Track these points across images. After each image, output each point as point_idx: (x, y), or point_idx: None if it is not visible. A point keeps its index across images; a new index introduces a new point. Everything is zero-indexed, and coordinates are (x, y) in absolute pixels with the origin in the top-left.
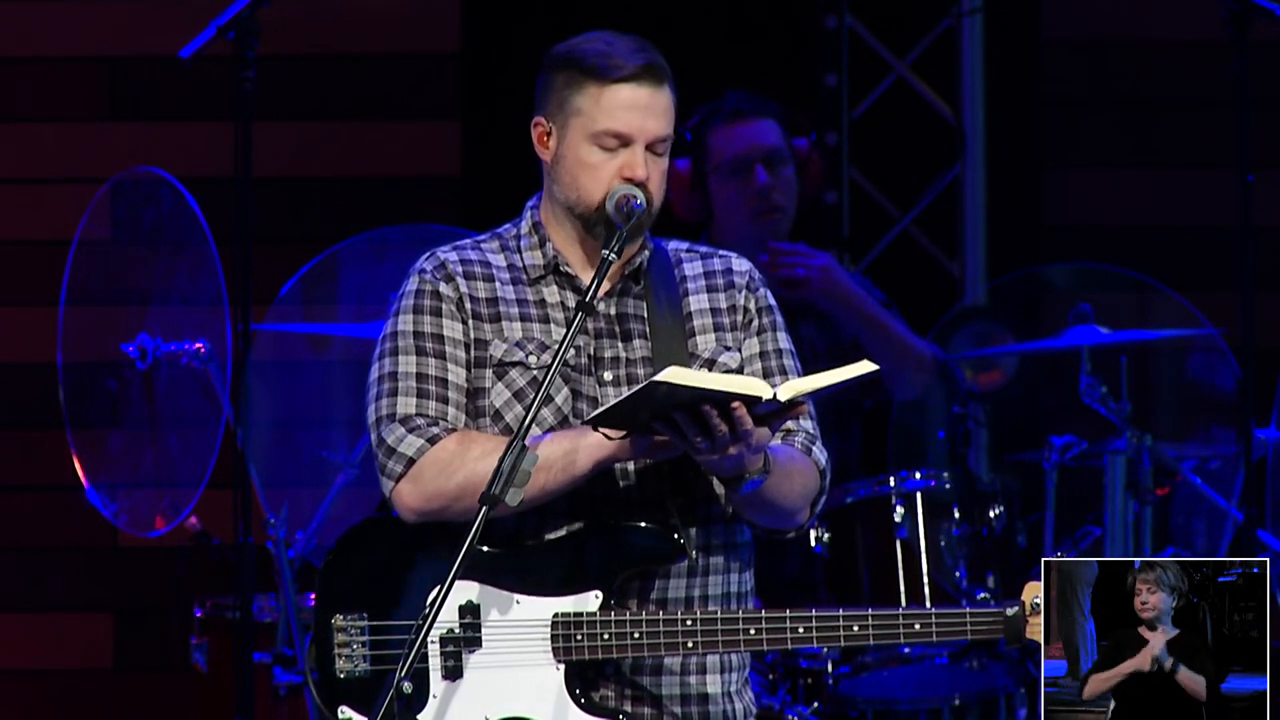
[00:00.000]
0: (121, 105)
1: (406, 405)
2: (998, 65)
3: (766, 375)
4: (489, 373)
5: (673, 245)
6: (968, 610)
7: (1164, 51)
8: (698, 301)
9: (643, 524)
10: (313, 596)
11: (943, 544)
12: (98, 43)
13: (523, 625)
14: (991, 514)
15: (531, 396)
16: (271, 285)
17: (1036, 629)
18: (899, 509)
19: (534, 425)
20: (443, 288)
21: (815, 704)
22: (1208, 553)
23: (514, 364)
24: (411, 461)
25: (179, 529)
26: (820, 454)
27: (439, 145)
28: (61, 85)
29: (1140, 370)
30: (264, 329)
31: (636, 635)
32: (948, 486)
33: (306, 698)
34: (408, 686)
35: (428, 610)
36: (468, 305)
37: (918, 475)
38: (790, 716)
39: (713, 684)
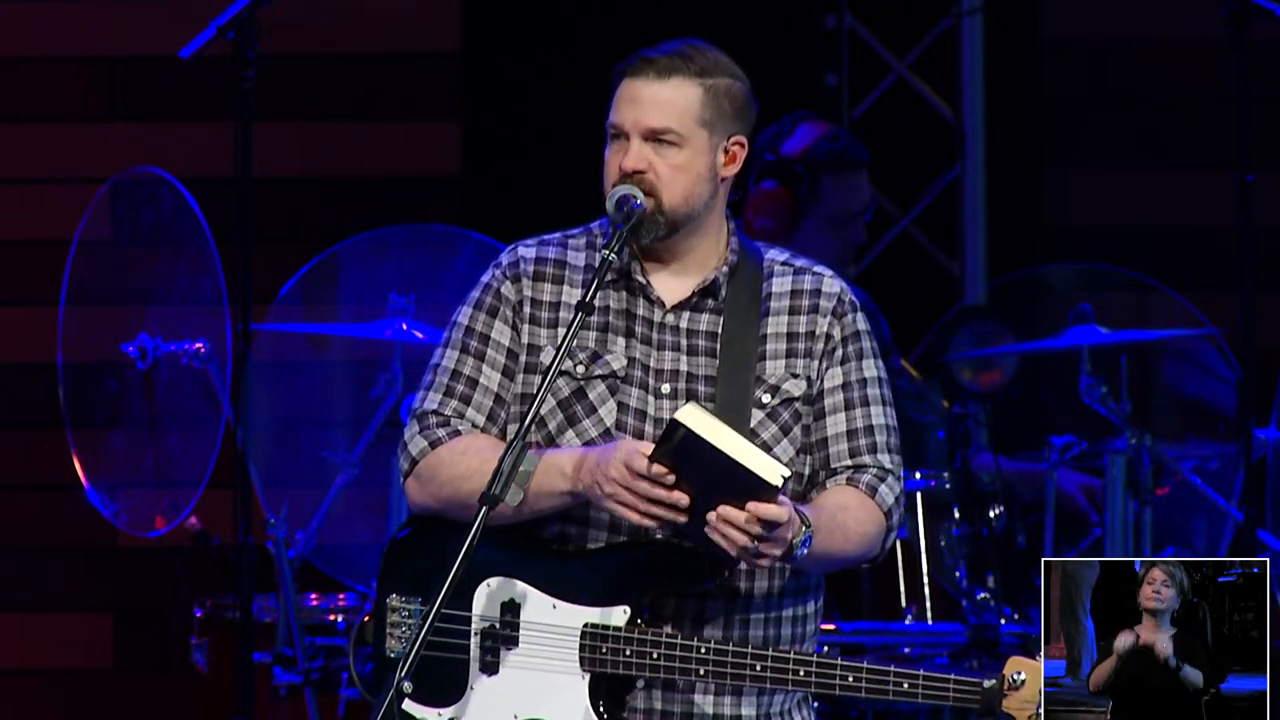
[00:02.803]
0: (121, 105)
1: (430, 401)
2: (998, 65)
3: (848, 407)
4: (537, 379)
5: (770, 255)
6: (952, 678)
7: (1164, 51)
8: (776, 324)
9: (674, 543)
10: (313, 596)
11: (943, 544)
12: (98, 43)
13: (556, 631)
14: (991, 514)
15: (576, 404)
16: (271, 285)
17: (1014, 704)
18: None
19: (574, 435)
20: (505, 288)
21: (815, 704)
22: (1208, 553)
23: (561, 372)
24: (415, 461)
25: (179, 529)
26: (888, 491)
27: (439, 145)
28: (61, 85)
29: (1140, 370)
30: (264, 329)
31: (655, 655)
32: (948, 486)
33: (307, 697)
34: (408, 686)
35: (428, 611)
36: (527, 309)
37: (918, 475)
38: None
39: (748, 706)
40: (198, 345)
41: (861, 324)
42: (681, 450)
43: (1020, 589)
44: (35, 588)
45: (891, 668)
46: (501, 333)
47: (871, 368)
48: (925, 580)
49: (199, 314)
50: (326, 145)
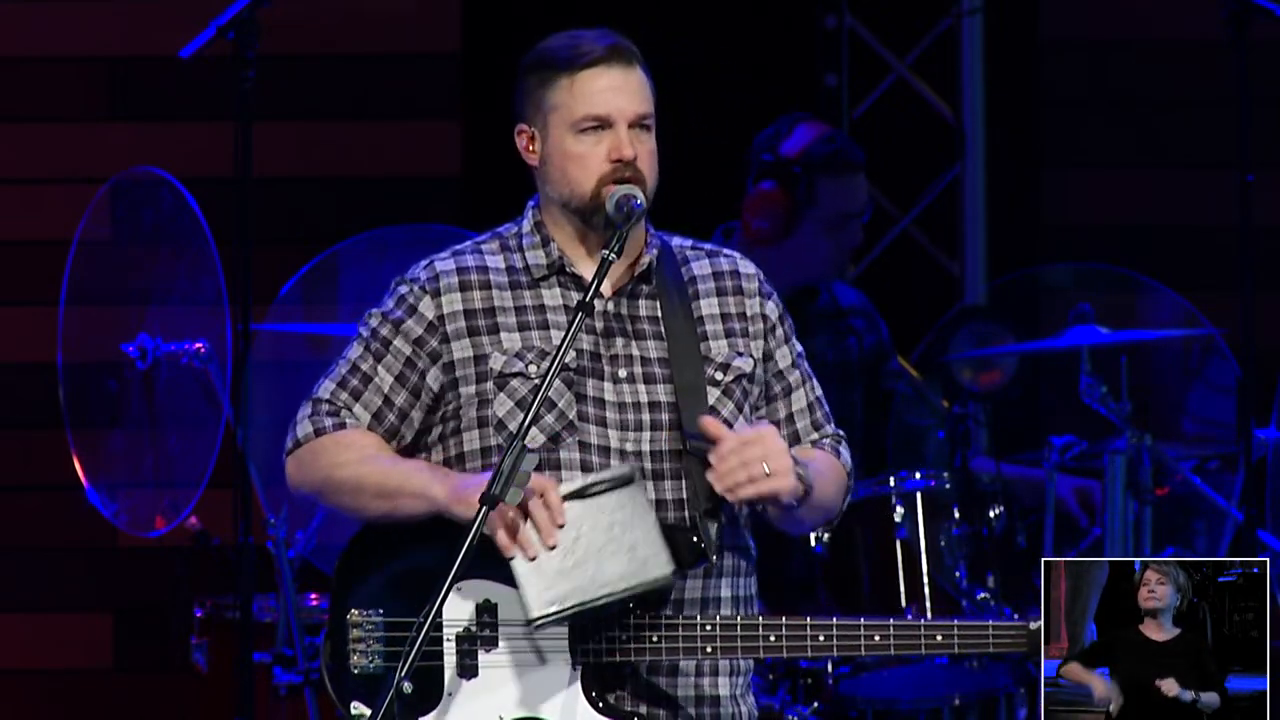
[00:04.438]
0: (121, 105)
1: (325, 389)
2: (998, 65)
3: (803, 382)
4: (490, 385)
5: (677, 242)
6: (990, 623)
7: (1164, 51)
8: (708, 305)
9: (668, 526)
10: (312, 596)
11: (943, 544)
12: (98, 43)
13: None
14: (991, 514)
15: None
16: (271, 285)
17: None
18: (899, 509)
19: (538, 430)
20: (424, 304)
21: (815, 704)
22: (1208, 553)
23: (514, 375)
24: (299, 443)
25: (179, 529)
26: (846, 453)
27: (439, 145)
28: (61, 85)
29: (1140, 370)
30: (264, 329)
31: (654, 639)
32: (948, 486)
33: (307, 697)
34: (407, 687)
35: (427, 610)
36: (461, 321)
37: (918, 475)
38: (790, 716)
39: (723, 686)
40: (198, 345)
41: (781, 303)
42: (610, 495)
43: (1020, 589)
44: (35, 588)
45: (922, 621)
46: (404, 343)
47: (798, 344)
48: (925, 580)
49: (199, 314)
50: (326, 145)
